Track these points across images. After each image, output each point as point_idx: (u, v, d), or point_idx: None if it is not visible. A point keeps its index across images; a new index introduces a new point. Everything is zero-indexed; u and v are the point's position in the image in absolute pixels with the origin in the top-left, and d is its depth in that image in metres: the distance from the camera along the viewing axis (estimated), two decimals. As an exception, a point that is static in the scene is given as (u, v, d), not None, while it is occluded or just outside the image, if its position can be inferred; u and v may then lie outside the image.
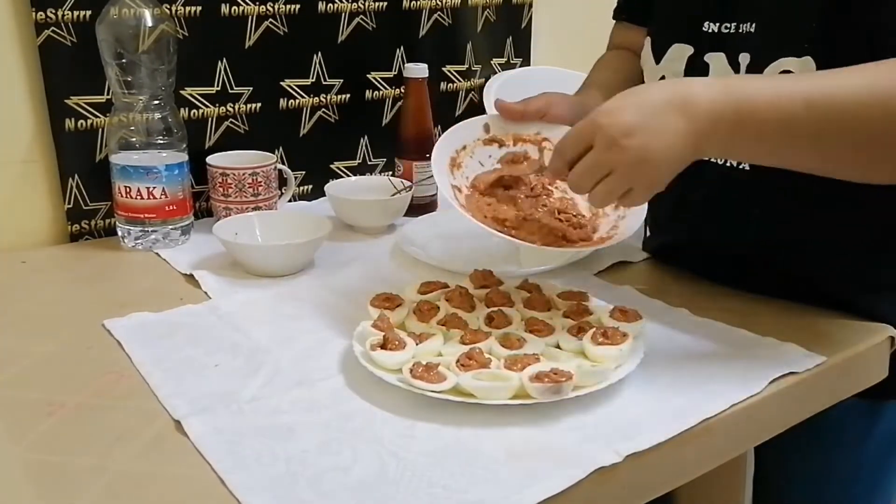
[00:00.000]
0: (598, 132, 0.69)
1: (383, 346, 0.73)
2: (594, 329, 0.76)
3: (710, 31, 0.87)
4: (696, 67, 0.89)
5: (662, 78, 0.92)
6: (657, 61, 0.93)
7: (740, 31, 0.85)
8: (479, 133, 0.90)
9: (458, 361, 0.70)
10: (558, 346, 0.76)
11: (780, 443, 0.79)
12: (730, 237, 0.91)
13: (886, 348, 0.83)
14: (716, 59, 0.87)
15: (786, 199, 0.85)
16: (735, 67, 0.85)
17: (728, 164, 0.88)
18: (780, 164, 0.72)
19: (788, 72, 0.80)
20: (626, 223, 0.84)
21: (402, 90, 1.29)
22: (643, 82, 0.96)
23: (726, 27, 0.86)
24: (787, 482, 0.97)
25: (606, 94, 0.97)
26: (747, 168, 0.85)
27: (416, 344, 0.74)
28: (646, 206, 0.83)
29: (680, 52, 0.91)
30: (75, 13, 1.04)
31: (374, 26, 1.29)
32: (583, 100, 0.97)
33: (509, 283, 0.87)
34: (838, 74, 0.69)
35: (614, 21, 1.12)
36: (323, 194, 1.20)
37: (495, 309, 0.81)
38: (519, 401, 0.67)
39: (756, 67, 0.83)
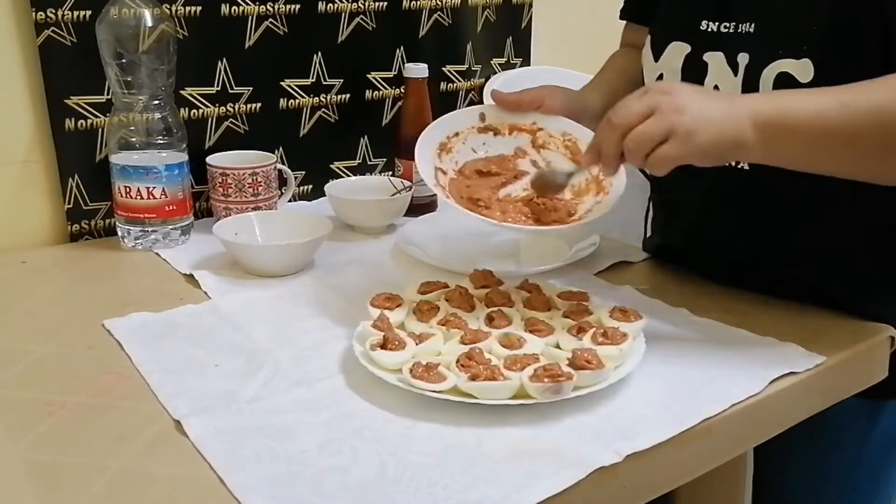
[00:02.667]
0: (660, 101, 0.71)
1: (383, 346, 0.73)
2: (594, 329, 0.76)
3: (708, 30, 0.87)
4: (693, 66, 0.89)
5: (660, 76, 0.92)
6: (656, 59, 0.93)
7: (739, 30, 0.85)
8: (475, 121, 0.91)
9: (457, 361, 0.70)
10: (558, 346, 0.76)
11: (780, 443, 0.79)
12: (729, 237, 0.90)
13: (886, 348, 0.83)
14: (714, 59, 0.87)
15: (785, 200, 0.85)
16: (734, 68, 0.85)
17: (727, 165, 0.88)
18: (817, 166, 0.75)
19: (786, 74, 0.80)
20: (601, 206, 0.85)
21: (402, 90, 1.29)
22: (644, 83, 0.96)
23: (725, 27, 0.86)
24: (787, 482, 0.97)
25: (608, 94, 0.98)
26: (746, 167, 0.85)
27: (416, 344, 0.74)
28: (622, 187, 0.84)
29: (678, 51, 0.91)
30: (75, 13, 1.04)
31: (374, 26, 1.29)
32: (581, 95, 0.97)
33: (509, 283, 0.87)
34: (871, 84, 0.72)
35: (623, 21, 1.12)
36: (323, 194, 1.20)
37: (495, 309, 0.81)
38: (519, 401, 0.67)
39: (754, 68, 0.83)
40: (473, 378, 0.68)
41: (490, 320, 0.79)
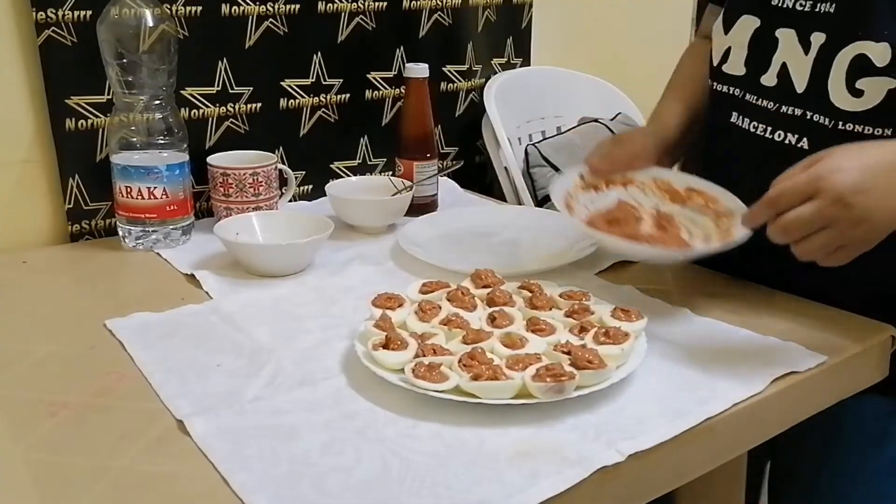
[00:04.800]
0: (823, 186, 0.70)
1: (385, 346, 0.73)
2: (596, 328, 0.76)
3: (779, 5, 0.87)
4: (763, 41, 0.89)
5: (728, 49, 0.93)
6: (726, 32, 0.93)
7: (817, 10, 0.85)
8: (577, 180, 0.94)
9: (460, 361, 0.70)
10: (560, 345, 0.76)
11: (796, 441, 0.79)
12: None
13: (887, 348, 0.84)
14: (785, 35, 0.87)
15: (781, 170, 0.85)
16: (805, 46, 0.85)
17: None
18: None
19: (863, 56, 0.81)
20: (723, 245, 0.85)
21: (403, 90, 1.29)
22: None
23: (801, 4, 0.86)
24: (803, 482, 0.97)
25: (683, 117, 1.01)
26: (760, 133, 0.87)
27: (418, 344, 0.74)
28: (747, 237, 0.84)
29: (747, 24, 0.91)
30: (76, 13, 1.04)
31: (374, 26, 1.29)
32: (661, 135, 0.98)
33: (511, 283, 0.87)
34: None
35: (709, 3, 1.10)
36: (323, 194, 1.20)
37: (497, 308, 0.81)
38: (521, 400, 0.67)
39: (829, 49, 0.83)
40: (476, 378, 0.68)
41: (492, 320, 0.79)
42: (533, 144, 1.53)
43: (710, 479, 0.74)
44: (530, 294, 0.84)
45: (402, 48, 1.33)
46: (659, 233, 0.88)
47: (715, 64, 0.96)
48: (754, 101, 0.91)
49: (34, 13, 1.01)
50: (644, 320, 0.79)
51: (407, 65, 1.23)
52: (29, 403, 0.70)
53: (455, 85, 1.42)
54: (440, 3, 1.35)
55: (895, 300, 0.88)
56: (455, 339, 0.76)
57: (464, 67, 1.43)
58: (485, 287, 0.86)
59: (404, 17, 1.32)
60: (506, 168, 1.47)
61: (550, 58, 1.60)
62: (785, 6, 0.87)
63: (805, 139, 0.86)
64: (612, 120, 1.66)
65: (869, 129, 0.83)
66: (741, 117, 0.93)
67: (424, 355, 0.71)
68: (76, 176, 1.09)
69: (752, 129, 0.91)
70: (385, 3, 1.29)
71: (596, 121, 1.64)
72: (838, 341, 0.81)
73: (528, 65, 1.56)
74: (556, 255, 1.03)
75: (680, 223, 0.90)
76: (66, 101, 1.06)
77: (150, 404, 0.70)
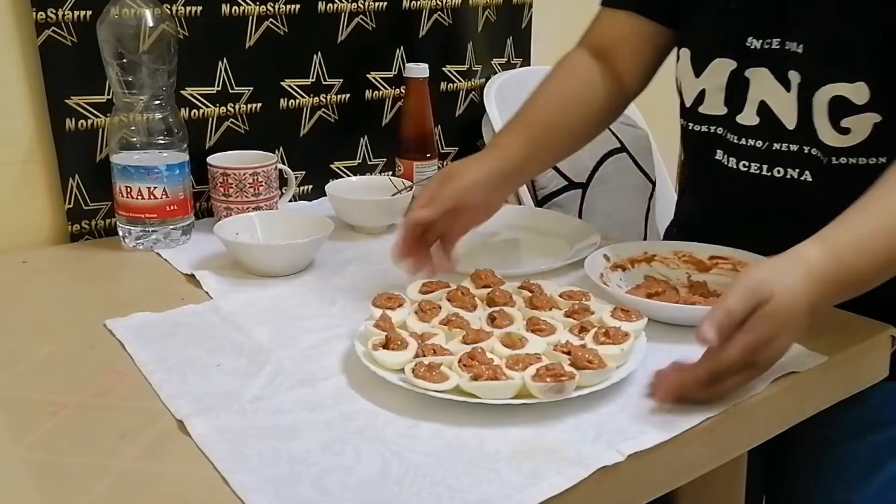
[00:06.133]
0: (759, 361, 0.68)
1: (385, 346, 0.73)
2: (596, 328, 0.76)
3: (753, 46, 0.88)
4: (739, 82, 0.89)
5: (702, 92, 0.93)
6: (697, 75, 0.93)
7: (786, 48, 0.85)
8: (605, 262, 0.94)
9: (459, 361, 0.70)
10: (560, 345, 0.75)
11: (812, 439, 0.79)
12: (737, 235, 0.92)
13: (887, 348, 0.84)
14: (757, 74, 0.88)
15: (786, 202, 0.86)
16: (785, 84, 0.86)
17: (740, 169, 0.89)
18: None
19: (842, 98, 0.81)
20: None
21: (403, 90, 1.29)
22: (589, 124, 0.99)
23: (767, 43, 0.87)
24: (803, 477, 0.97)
25: (523, 160, 0.92)
26: (754, 171, 0.88)
27: (418, 344, 0.74)
28: None
29: (723, 67, 0.91)
30: (76, 13, 1.04)
31: (374, 26, 1.29)
32: (496, 168, 0.90)
33: (511, 283, 0.87)
34: None
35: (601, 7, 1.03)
36: (323, 194, 1.20)
37: (497, 308, 0.81)
38: (521, 400, 0.67)
39: (807, 88, 0.83)
40: (476, 378, 0.68)
41: (492, 320, 0.79)
42: (533, 144, 1.53)
43: (710, 479, 0.74)
44: (530, 294, 0.84)
45: (402, 48, 1.33)
46: (701, 298, 0.87)
47: (688, 105, 0.96)
48: (736, 141, 0.92)
49: (34, 13, 1.01)
50: (644, 320, 0.78)
51: (407, 65, 1.23)
52: (29, 403, 0.70)
53: (455, 85, 1.42)
54: (440, 3, 1.35)
55: (895, 300, 0.87)
56: (455, 340, 0.76)
57: (464, 67, 1.43)
58: (485, 287, 0.86)
59: (404, 17, 1.32)
60: (506, 168, 1.46)
61: (550, 58, 1.58)
62: (754, 47, 0.88)
63: (807, 172, 0.87)
64: (612, 120, 1.66)
65: (863, 160, 0.84)
66: (727, 156, 0.93)
67: (424, 355, 0.71)
68: (76, 176, 1.09)
69: (744, 168, 0.92)
70: (385, 3, 1.29)
71: (596, 121, 1.64)
72: (838, 341, 0.81)
73: (528, 65, 1.56)
74: (556, 255, 1.03)
75: (714, 290, 0.89)
76: (66, 101, 1.06)
77: (150, 404, 0.70)
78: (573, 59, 1.02)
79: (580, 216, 1.47)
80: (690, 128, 0.98)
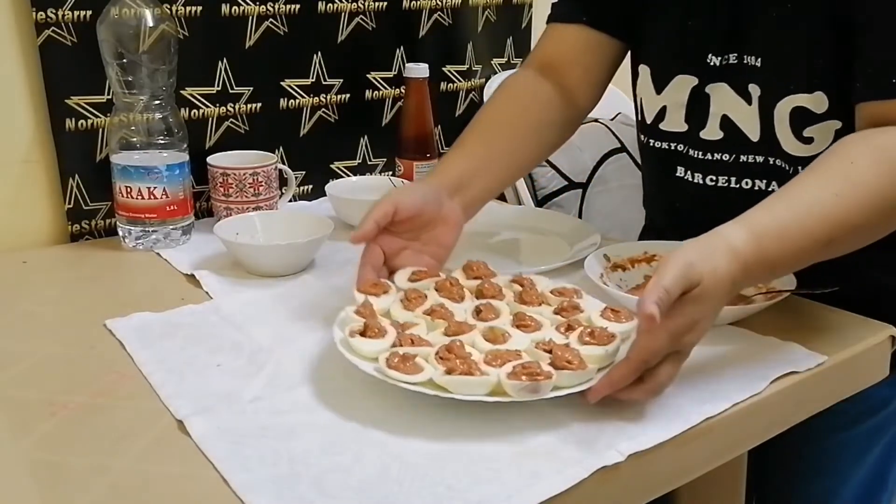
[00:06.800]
0: (684, 347, 0.67)
1: (362, 333, 0.71)
2: (582, 328, 0.74)
3: (713, 63, 0.88)
4: (698, 97, 0.90)
5: (663, 108, 0.93)
6: (658, 92, 0.93)
7: (745, 62, 0.86)
8: (605, 262, 0.94)
9: (437, 353, 0.68)
10: (544, 343, 0.72)
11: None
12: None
13: (887, 348, 0.84)
14: (718, 90, 0.88)
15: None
16: (746, 98, 0.86)
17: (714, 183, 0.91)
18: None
19: (802, 108, 0.81)
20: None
21: (403, 90, 1.29)
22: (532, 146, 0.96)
23: (724, 59, 0.87)
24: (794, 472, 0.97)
25: (467, 178, 0.89)
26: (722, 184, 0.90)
27: (398, 333, 0.72)
28: (793, 283, 0.84)
29: (684, 84, 0.91)
30: (75, 13, 1.04)
31: (374, 26, 1.29)
32: (439, 184, 0.88)
33: (502, 276, 0.85)
34: (848, 198, 0.71)
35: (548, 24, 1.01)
36: (323, 194, 1.20)
37: (484, 301, 0.79)
38: (495, 398, 0.66)
39: (767, 100, 0.84)
40: (449, 372, 0.66)
41: (477, 312, 0.77)
42: (533, 144, 1.53)
43: (710, 478, 0.74)
44: (521, 288, 0.82)
45: (402, 48, 1.33)
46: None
47: (648, 122, 0.97)
48: (701, 156, 0.92)
49: (34, 13, 1.01)
50: (634, 322, 0.75)
51: (407, 65, 1.24)
52: (29, 403, 0.70)
53: (455, 85, 1.43)
54: (440, 3, 1.36)
55: (895, 300, 0.88)
56: (437, 331, 0.74)
57: (464, 67, 1.43)
58: (475, 279, 0.84)
59: (404, 17, 1.32)
60: (506, 168, 1.46)
61: (550, 58, 1.60)
62: (713, 63, 0.88)
63: (774, 182, 0.88)
64: (612, 120, 1.66)
65: None
66: (689, 171, 0.94)
67: (402, 345, 0.70)
68: (76, 176, 1.09)
69: (711, 183, 0.92)
70: (385, 3, 1.29)
71: (596, 121, 1.64)
72: (838, 341, 0.81)
73: (528, 65, 1.56)
74: (556, 255, 1.03)
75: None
76: (66, 101, 1.06)
77: (150, 404, 0.70)
78: (517, 79, 1.01)
79: (580, 216, 1.47)
80: (651, 144, 0.98)
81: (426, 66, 1.22)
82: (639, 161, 1.59)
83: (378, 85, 1.33)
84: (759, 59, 0.85)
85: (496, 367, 0.67)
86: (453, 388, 0.66)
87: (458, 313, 0.77)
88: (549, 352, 0.70)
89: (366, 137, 1.34)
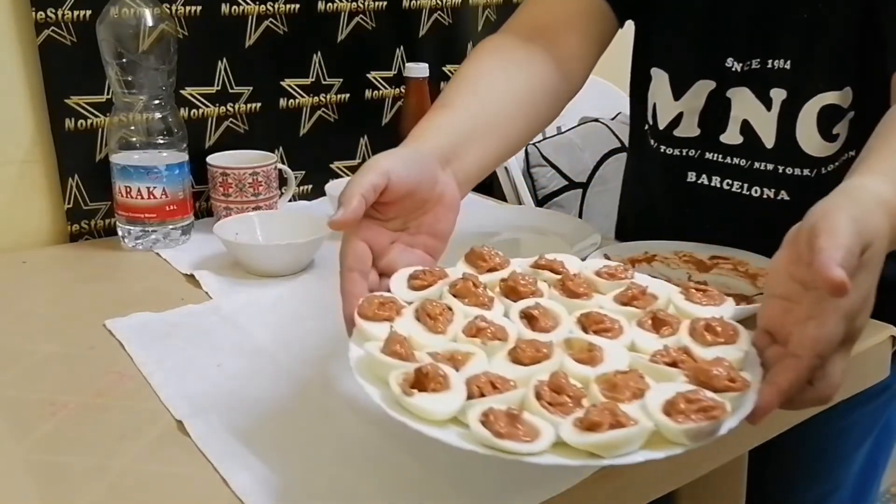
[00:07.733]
0: (852, 335, 0.55)
1: (417, 385, 0.50)
2: (687, 322, 0.55)
3: (734, 68, 0.87)
4: (716, 102, 0.89)
5: (680, 115, 0.91)
6: (676, 98, 0.92)
7: (771, 66, 0.84)
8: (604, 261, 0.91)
9: (537, 395, 0.49)
10: (634, 349, 0.56)
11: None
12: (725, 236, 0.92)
13: (887, 348, 0.83)
14: (739, 94, 0.87)
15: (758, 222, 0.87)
16: (766, 103, 0.85)
17: (700, 182, 0.91)
18: None
19: (831, 106, 0.80)
20: None
21: (402, 90, 1.29)
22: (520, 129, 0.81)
23: (747, 64, 0.86)
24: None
25: (448, 139, 0.73)
26: (736, 189, 0.89)
27: (456, 371, 0.52)
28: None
29: (702, 89, 0.90)
30: (75, 13, 1.04)
31: (374, 26, 1.29)
32: (415, 149, 0.71)
33: (518, 262, 0.67)
34: None
35: None
36: (323, 194, 1.20)
37: (531, 303, 0.58)
38: (664, 452, 0.47)
39: (792, 103, 0.83)
40: (591, 427, 0.46)
41: (529, 320, 0.57)
42: (533, 144, 1.53)
43: (710, 479, 0.74)
44: (558, 276, 0.62)
45: (402, 48, 1.33)
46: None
47: (661, 128, 0.94)
48: (718, 160, 0.91)
49: (34, 13, 1.01)
50: (729, 301, 0.59)
51: (407, 65, 1.23)
52: (29, 403, 0.70)
53: (455, 85, 1.42)
54: (440, 3, 1.35)
55: (895, 300, 0.87)
56: (497, 357, 0.54)
57: (464, 67, 1.43)
58: (491, 271, 0.65)
59: (404, 17, 1.32)
60: (506, 168, 1.47)
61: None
62: (735, 69, 0.87)
63: (783, 191, 0.87)
64: (612, 120, 1.66)
65: (843, 157, 0.84)
66: (703, 175, 0.93)
67: (481, 394, 0.50)
68: (76, 176, 1.09)
69: (727, 187, 0.91)
70: (385, 3, 1.29)
71: (596, 120, 1.64)
72: (838, 341, 0.80)
73: (528, 64, 1.56)
74: (555, 255, 1.03)
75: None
76: (66, 100, 1.06)
77: (150, 404, 0.70)
78: (503, 40, 0.86)
79: (580, 216, 1.47)
80: (662, 150, 0.95)
81: (426, 65, 1.22)
82: (639, 161, 1.60)
83: (378, 85, 1.33)
84: (789, 62, 0.83)
85: (627, 403, 0.49)
86: (606, 452, 0.47)
87: (508, 326, 0.58)
88: (673, 364, 0.52)
89: (366, 137, 1.34)
